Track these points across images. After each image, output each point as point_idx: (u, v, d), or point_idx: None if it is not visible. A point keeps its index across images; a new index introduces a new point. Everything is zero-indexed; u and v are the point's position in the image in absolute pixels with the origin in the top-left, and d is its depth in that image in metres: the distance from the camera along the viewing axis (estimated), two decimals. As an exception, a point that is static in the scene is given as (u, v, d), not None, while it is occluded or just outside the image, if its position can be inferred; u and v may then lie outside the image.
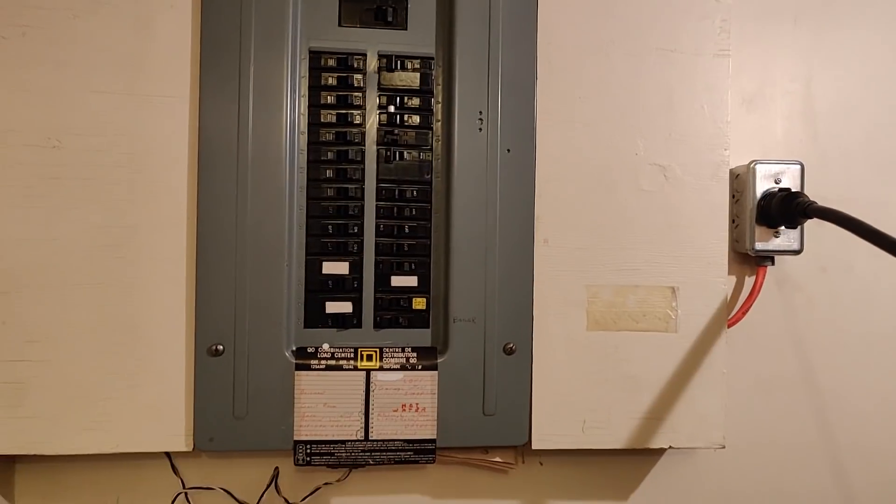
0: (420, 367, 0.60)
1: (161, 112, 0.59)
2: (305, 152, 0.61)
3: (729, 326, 0.68)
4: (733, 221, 0.70)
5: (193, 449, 0.59)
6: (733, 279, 0.71)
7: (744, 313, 0.69)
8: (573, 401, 0.62)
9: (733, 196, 0.70)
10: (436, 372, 0.60)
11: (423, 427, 0.60)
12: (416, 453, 0.60)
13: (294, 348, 0.60)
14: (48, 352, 0.57)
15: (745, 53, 0.72)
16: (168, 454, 0.63)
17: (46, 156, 0.57)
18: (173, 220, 0.59)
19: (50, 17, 0.58)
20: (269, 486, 0.64)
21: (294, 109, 0.60)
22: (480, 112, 0.62)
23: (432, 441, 0.60)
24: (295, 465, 0.59)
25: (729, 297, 0.69)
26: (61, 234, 0.57)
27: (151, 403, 0.58)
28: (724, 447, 0.63)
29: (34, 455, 0.59)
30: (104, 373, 0.58)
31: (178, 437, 0.59)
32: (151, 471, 0.64)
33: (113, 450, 0.58)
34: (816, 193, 0.70)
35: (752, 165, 0.67)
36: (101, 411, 0.58)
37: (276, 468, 0.64)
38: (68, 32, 0.58)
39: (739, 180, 0.69)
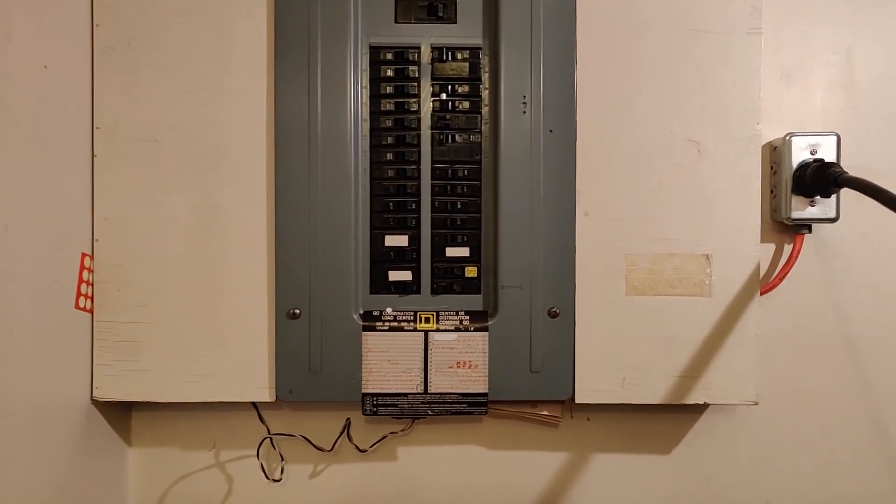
0: (472, 328, 0.67)
1: (242, 106, 0.67)
2: (368, 138, 0.68)
3: (767, 292, 0.72)
4: (772, 192, 0.73)
5: (276, 400, 0.68)
6: (772, 247, 0.74)
7: (781, 279, 0.72)
8: (613, 359, 0.68)
9: (771, 168, 0.73)
10: (486, 333, 0.67)
11: (476, 382, 0.67)
12: (470, 405, 0.67)
13: (361, 312, 0.68)
14: (156, 314, 0.67)
15: (783, 28, 0.74)
16: (255, 405, 0.72)
17: (149, 148, 0.67)
18: (254, 201, 0.67)
19: (150, 28, 0.67)
20: (341, 434, 0.73)
21: (357, 99, 0.68)
22: (524, 96, 0.67)
23: (484, 395, 0.67)
24: (363, 414, 0.67)
25: (767, 264, 0.73)
26: (163, 215, 0.67)
27: (240, 360, 0.68)
28: (756, 403, 0.67)
29: (147, 402, 0.70)
30: (201, 333, 0.67)
31: (262, 389, 0.68)
32: (242, 420, 0.74)
33: (210, 398, 0.67)
34: (857, 164, 0.73)
35: (787, 138, 0.70)
36: (200, 366, 0.67)
37: (348, 419, 0.73)
38: (165, 40, 0.67)
39: (777, 152, 0.72)
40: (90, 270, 0.66)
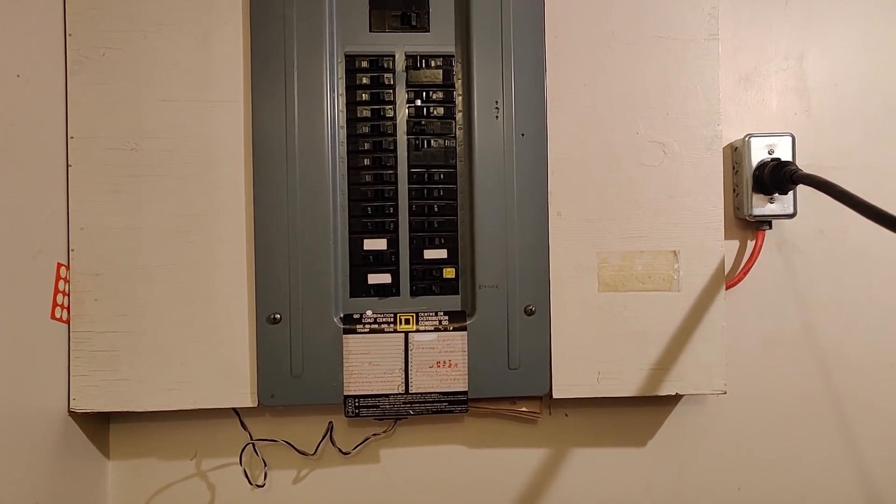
0: (452, 328, 0.68)
1: (220, 115, 0.68)
2: (345, 144, 0.70)
3: (731, 286, 0.75)
4: (734, 190, 0.77)
5: (258, 405, 0.68)
6: (736, 243, 0.77)
7: (745, 273, 0.75)
8: (588, 355, 0.70)
9: (734, 167, 0.77)
10: (465, 332, 0.68)
11: (456, 381, 0.68)
12: (451, 404, 0.69)
13: (341, 315, 0.69)
14: (135, 323, 0.67)
15: (740, 35, 0.78)
16: (236, 411, 0.72)
17: (126, 157, 0.67)
18: (234, 208, 0.68)
19: (125, 38, 0.67)
20: (324, 437, 0.73)
21: (333, 107, 0.69)
22: (496, 101, 0.69)
23: (465, 393, 0.69)
24: (345, 416, 0.68)
25: (732, 260, 0.77)
26: (142, 223, 0.67)
27: (221, 366, 0.68)
28: (725, 392, 0.70)
29: (126, 413, 0.69)
30: (181, 340, 0.67)
31: (244, 395, 0.68)
32: (223, 427, 0.74)
33: (191, 406, 0.67)
34: (811, 163, 0.77)
35: (746, 139, 0.74)
36: (180, 373, 0.67)
37: (331, 422, 0.74)
38: (140, 50, 0.68)
39: (738, 153, 0.76)
40: (66, 280, 0.66)
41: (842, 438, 0.78)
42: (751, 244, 0.77)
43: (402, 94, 0.70)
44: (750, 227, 0.77)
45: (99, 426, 0.72)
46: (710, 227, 0.70)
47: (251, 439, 0.72)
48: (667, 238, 0.70)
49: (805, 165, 0.74)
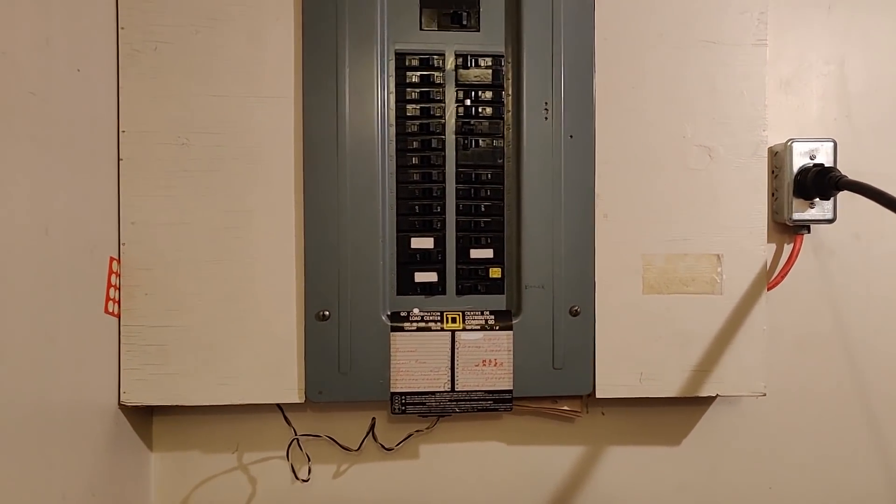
0: (497, 327, 0.69)
1: (271, 111, 0.68)
2: (394, 142, 0.70)
3: (770, 289, 0.76)
4: (773, 194, 0.78)
5: (305, 400, 0.69)
6: (773, 247, 0.78)
7: (783, 277, 0.76)
8: (631, 355, 0.71)
9: (773, 171, 0.78)
10: (511, 332, 0.69)
11: (502, 379, 0.69)
12: (496, 402, 0.69)
13: (389, 313, 0.69)
14: (184, 318, 0.67)
15: (782, 40, 0.79)
16: (280, 407, 0.73)
17: (177, 152, 0.67)
18: (283, 204, 0.68)
19: (176, 33, 0.67)
20: (367, 433, 0.74)
21: (383, 105, 0.69)
22: (546, 102, 0.70)
23: (509, 392, 0.69)
24: (392, 413, 0.68)
25: (769, 263, 0.77)
26: (192, 219, 0.67)
27: (269, 362, 0.68)
28: (765, 395, 0.71)
29: (169, 407, 0.70)
30: (230, 336, 0.68)
31: (291, 391, 0.69)
32: (264, 422, 0.74)
33: (239, 401, 0.68)
34: (850, 168, 0.77)
35: (788, 143, 0.75)
36: (229, 369, 0.68)
37: (373, 419, 0.74)
38: (192, 45, 0.67)
39: (778, 157, 0.77)
40: (118, 275, 0.66)
41: (874, 439, 0.80)
42: (788, 247, 0.78)
43: (451, 93, 0.71)
44: (788, 230, 0.78)
45: (144, 418, 0.72)
46: (754, 231, 0.71)
47: (296, 434, 0.73)
48: (710, 242, 0.71)
49: (844, 172, 0.74)
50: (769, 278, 0.77)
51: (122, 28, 0.67)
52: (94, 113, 0.63)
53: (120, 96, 0.67)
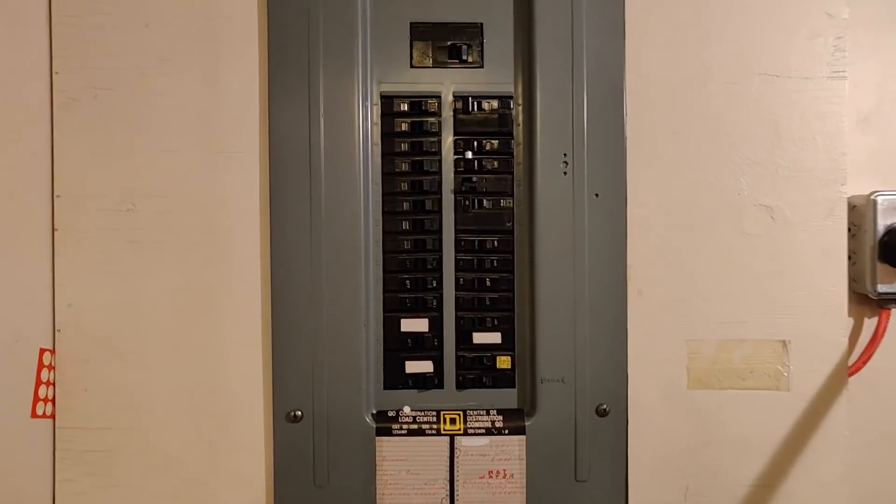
0: (506, 430, 0.57)
1: (232, 168, 0.58)
2: (380, 203, 0.58)
3: (849, 375, 0.62)
4: (849, 258, 0.63)
5: (274, 517, 0.57)
6: (850, 322, 0.64)
7: (864, 362, 0.62)
8: (674, 465, 0.58)
9: (849, 230, 0.63)
10: (524, 436, 0.57)
11: (512, 495, 0.57)
12: (505, 521, 0.57)
13: (374, 412, 0.58)
14: (131, 418, 0.57)
15: (859, 67, 0.64)
16: (249, 517, 0.62)
17: (122, 220, 0.57)
18: (247, 281, 0.58)
19: (120, 77, 0.57)
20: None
21: (367, 158, 0.58)
22: (565, 154, 0.57)
23: (521, 509, 0.57)
24: (378, 532, 0.57)
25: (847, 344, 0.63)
26: (139, 299, 0.57)
27: (231, 472, 0.58)
28: (847, 518, 0.57)
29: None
30: (185, 440, 0.57)
31: (258, 505, 0.58)
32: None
33: (196, 517, 0.57)
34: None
35: (872, 197, 0.60)
36: (183, 479, 0.57)
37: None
38: (138, 91, 0.57)
39: (856, 212, 0.62)
40: (51, 368, 0.56)
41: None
42: (869, 324, 0.64)
43: (449, 144, 0.59)
44: (869, 302, 0.63)
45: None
46: (830, 311, 0.58)
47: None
48: (774, 325, 0.58)
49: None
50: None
51: (57, 73, 0.57)
52: (16, 174, 0.53)
53: (54, 153, 0.57)
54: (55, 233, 0.57)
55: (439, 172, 0.59)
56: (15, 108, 0.53)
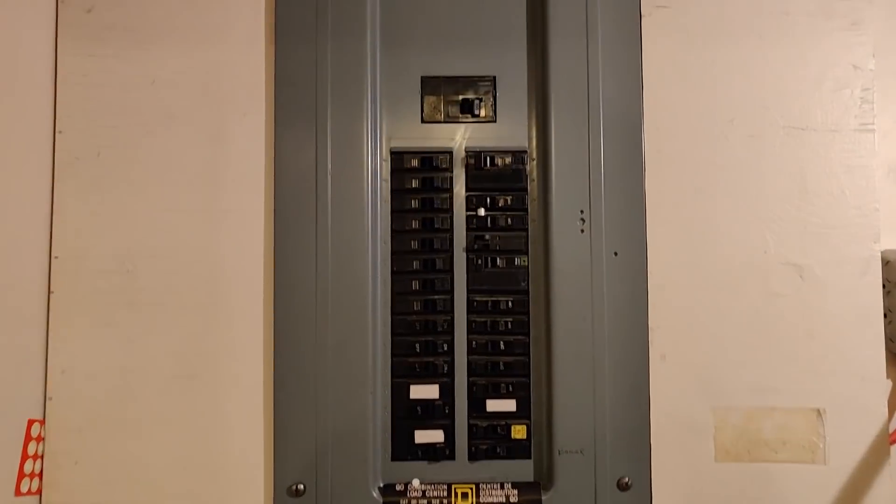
0: (522, 505, 0.53)
1: (235, 229, 0.55)
2: (389, 262, 0.56)
3: (890, 444, 0.58)
4: (885, 316, 0.60)
5: None
6: (889, 385, 0.60)
7: (904, 430, 0.58)
8: (703, 545, 0.53)
9: (883, 286, 0.60)
10: (541, 512, 0.53)
11: (529, 577, 0.53)
12: None
13: (381, 485, 0.54)
14: (124, 494, 0.53)
15: (886, 115, 0.62)
16: None
17: (120, 281, 0.55)
18: (250, 347, 0.55)
19: (124, 135, 0.55)
20: None
21: (375, 216, 0.55)
22: (582, 211, 0.55)
23: (539, 592, 0.53)
24: None
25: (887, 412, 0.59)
26: (136, 365, 0.54)
27: (231, 548, 0.54)
28: None
29: None
30: (181, 516, 0.53)
31: (258, 587, 0.54)
32: None
33: None
34: None
35: (906, 253, 0.57)
36: (179, 558, 0.53)
37: None
38: (142, 150, 0.55)
39: (890, 268, 0.59)
40: (39, 440, 0.53)
41: None
42: (908, 387, 0.59)
43: (460, 201, 0.56)
44: (907, 364, 0.59)
45: None
46: (868, 376, 0.54)
47: None
48: (807, 392, 0.54)
49: None
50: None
51: (60, 132, 0.55)
52: (12, 235, 0.51)
53: (53, 214, 0.55)
54: (51, 295, 0.54)
55: (451, 230, 0.56)
56: (15, 168, 0.52)
